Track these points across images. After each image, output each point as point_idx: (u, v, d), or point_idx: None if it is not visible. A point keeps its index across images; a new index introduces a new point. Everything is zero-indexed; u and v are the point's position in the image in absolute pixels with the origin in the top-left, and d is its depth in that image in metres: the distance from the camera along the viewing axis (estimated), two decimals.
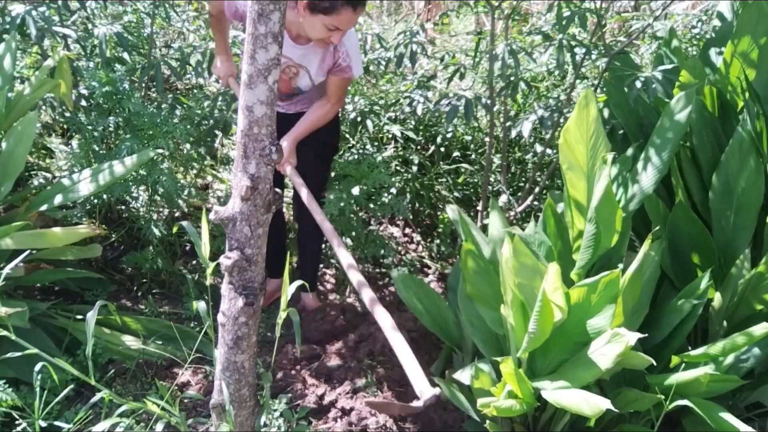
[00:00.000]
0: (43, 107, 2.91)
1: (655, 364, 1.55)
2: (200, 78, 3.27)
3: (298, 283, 1.53)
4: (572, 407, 1.49)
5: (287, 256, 1.62)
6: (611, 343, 1.55)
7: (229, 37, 2.45)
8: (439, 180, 3.47)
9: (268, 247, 1.57)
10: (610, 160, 1.70)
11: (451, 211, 2.12)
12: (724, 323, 1.95)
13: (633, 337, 1.49)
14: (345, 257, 1.66)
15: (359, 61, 2.18)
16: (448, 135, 3.49)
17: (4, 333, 1.36)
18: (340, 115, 2.64)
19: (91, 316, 1.39)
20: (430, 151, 3.49)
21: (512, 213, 3.03)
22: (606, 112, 2.46)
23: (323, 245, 2.78)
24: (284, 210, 2.85)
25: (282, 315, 1.51)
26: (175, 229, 1.60)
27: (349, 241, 3.00)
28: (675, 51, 2.37)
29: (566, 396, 1.53)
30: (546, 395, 1.58)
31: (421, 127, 3.52)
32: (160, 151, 2.43)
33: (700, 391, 1.65)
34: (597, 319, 1.65)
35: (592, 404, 1.46)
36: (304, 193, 1.96)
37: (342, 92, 2.27)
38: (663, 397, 1.61)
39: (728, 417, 1.56)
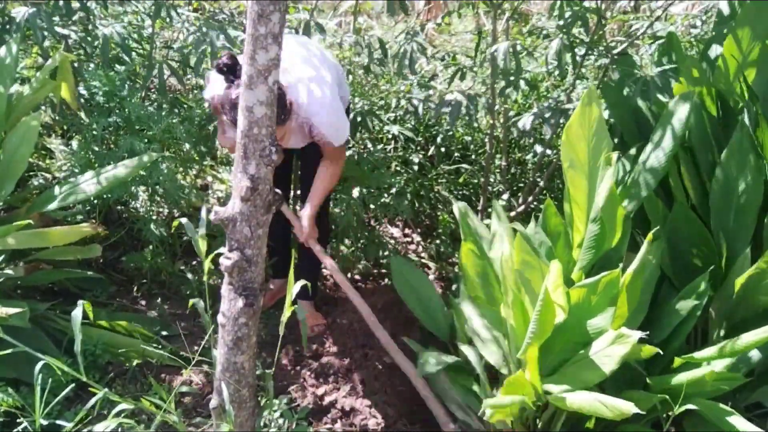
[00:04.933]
0: (44, 108, 2.91)
1: (662, 353, 1.54)
2: (200, 79, 3.27)
3: (302, 282, 1.53)
4: (587, 409, 1.48)
5: (291, 255, 1.63)
6: (616, 344, 1.54)
7: None
8: (440, 180, 3.47)
9: (274, 247, 1.58)
10: (615, 159, 1.70)
11: (457, 209, 2.12)
12: (724, 324, 1.95)
13: (637, 336, 1.49)
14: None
15: (338, 131, 2.10)
16: (449, 135, 3.48)
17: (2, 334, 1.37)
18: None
19: (77, 313, 1.39)
20: (431, 152, 3.49)
21: (512, 213, 3.03)
22: (604, 113, 2.46)
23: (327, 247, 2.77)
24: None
25: (286, 314, 1.52)
26: (175, 224, 1.60)
27: (348, 241, 3.00)
28: (675, 51, 2.37)
29: (577, 398, 1.53)
30: (554, 399, 1.58)
31: (421, 128, 3.52)
32: (160, 154, 2.44)
33: (703, 391, 1.65)
34: (597, 319, 1.65)
35: (611, 407, 1.45)
36: (327, 263, 2.13)
37: (336, 155, 2.19)
38: (667, 396, 1.61)
39: (736, 420, 1.56)
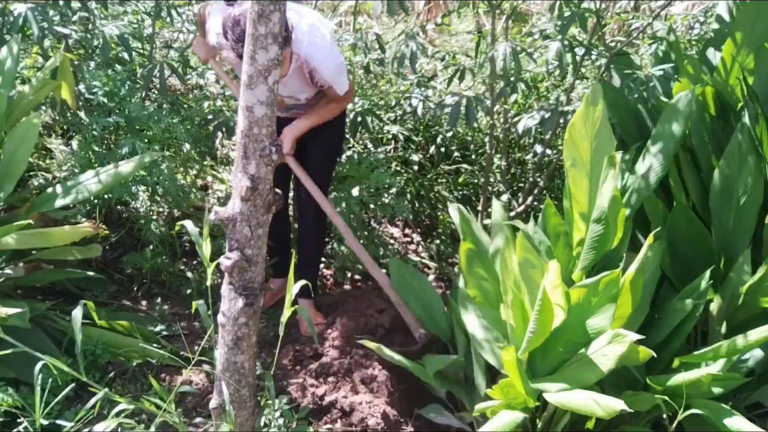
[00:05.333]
0: (44, 107, 2.92)
1: (655, 355, 1.55)
2: (201, 78, 3.27)
3: (302, 282, 1.53)
4: (581, 409, 1.49)
5: (291, 255, 1.63)
6: (613, 344, 1.55)
7: None
8: (439, 180, 3.47)
9: (272, 246, 1.59)
10: (619, 159, 1.69)
11: (453, 210, 2.14)
12: (724, 324, 1.95)
13: (634, 337, 1.49)
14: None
15: (341, 78, 2.16)
16: (448, 135, 3.49)
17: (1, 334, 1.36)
18: (346, 119, 2.65)
19: (77, 313, 1.39)
20: (430, 152, 3.49)
21: (512, 213, 3.03)
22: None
23: (325, 247, 2.78)
24: (289, 212, 2.85)
25: (286, 314, 1.51)
26: (176, 228, 1.60)
27: None
28: (674, 51, 2.37)
29: (573, 397, 1.53)
30: (550, 398, 1.58)
31: (421, 127, 3.52)
32: (162, 154, 2.44)
33: (702, 391, 1.65)
34: (597, 319, 1.65)
35: (603, 405, 1.45)
36: (311, 188, 2.23)
37: (341, 98, 2.25)
38: (666, 397, 1.61)
39: (736, 420, 1.56)
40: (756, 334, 1.59)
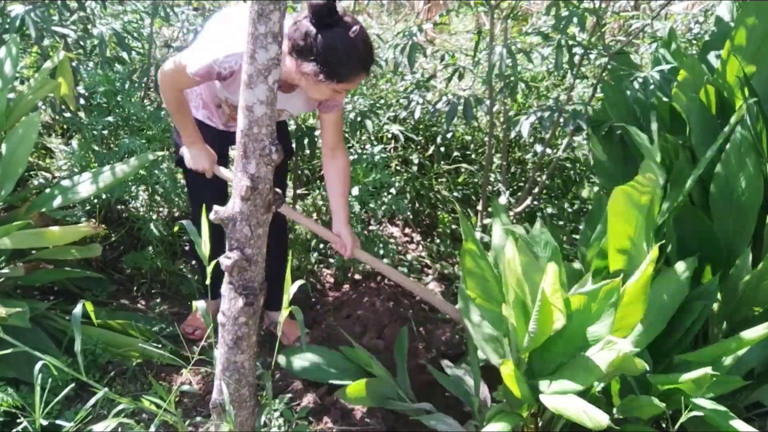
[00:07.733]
0: (43, 107, 2.91)
1: (648, 369, 1.53)
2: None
3: (299, 282, 1.52)
4: (573, 417, 1.49)
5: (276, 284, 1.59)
6: (604, 350, 1.55)
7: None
8: (439, 180, 3.47)
9: (267, 276, 1.56)
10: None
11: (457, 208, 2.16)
12: (724, 323, 1.95)
13: (626, 345, 1.48)
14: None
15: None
16: (448, 135, 3.48)
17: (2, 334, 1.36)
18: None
19: (77, 313, 1.39)
20: (430, 151, 3.49)
21: (511, 213, 3.03)
22: (602, 113, 2.46)
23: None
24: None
25: (284, 313, 1.51)
26: (176, 229, 1.60)
27: None
28: (674, 51, 2.37)
29: (566, 405, 1.53)
30: (545, 400, 1.58)
31: (421, 127, 3.52)
32: (160, 153, 2.44)
33: (700, 391, 1.65)
34: (597, 326, 1.64)
35: (592, 417, 1.45)
36: (379, 266, 2.23)
37: (341, 128, 2.09)
38: (663, 405, 1.60)
39: (734, 420, 1.56)
40: (756, 332, 1.59)
